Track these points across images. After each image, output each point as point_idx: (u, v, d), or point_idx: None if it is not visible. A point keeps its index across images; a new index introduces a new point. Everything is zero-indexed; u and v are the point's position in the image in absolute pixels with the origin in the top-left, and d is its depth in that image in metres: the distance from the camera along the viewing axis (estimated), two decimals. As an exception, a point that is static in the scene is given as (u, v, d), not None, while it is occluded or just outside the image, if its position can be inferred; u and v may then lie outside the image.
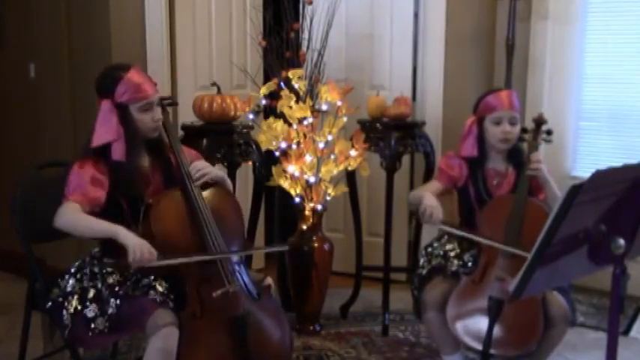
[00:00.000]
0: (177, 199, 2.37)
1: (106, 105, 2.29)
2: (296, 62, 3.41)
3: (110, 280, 2.26)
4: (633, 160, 1.67)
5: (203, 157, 2.63)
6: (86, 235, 2.27)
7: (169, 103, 2.63)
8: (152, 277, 2.27)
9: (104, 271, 2.29)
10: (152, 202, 2.33)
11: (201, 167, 2.45)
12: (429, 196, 2.66)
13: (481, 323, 2.45)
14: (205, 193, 2.43)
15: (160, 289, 2.24)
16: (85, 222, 2.22)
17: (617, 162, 1.64)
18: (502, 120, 2.71)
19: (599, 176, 1.54)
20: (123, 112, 2.29)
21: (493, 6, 4.04)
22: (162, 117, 2.42)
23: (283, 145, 3.24)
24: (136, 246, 2.14)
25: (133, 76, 2.31)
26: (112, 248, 2.31)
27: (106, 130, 2.28)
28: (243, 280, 2.41)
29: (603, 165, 1.58)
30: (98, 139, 2.28)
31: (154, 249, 2.18)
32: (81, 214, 2.22)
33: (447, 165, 2.80)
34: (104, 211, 2.28)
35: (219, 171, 2.56)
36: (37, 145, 4.14)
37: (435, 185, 2.82)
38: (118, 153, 2.28)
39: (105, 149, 2.29)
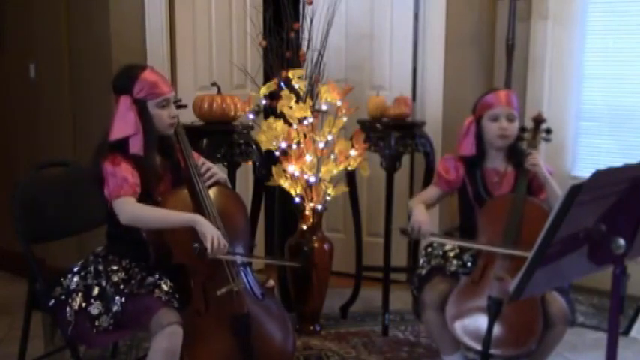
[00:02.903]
0: (184, 198, 2.40)
1: (125, 100, 2.32)
2: (296, 62, 3.41)
3: (115, 279, 2.27)
4: (633, 160, 1.67)
5: (203, 157, 2.63)
6: (158, 226, 2.29)
7: (180, 105, 2.65)
8: (157, 276, 2.29)
9: (109, 268, 2.29)
10: (161, 200, 2.36)
11: (210, 166, 2.50)
12: (418, 210, 2.69)
13: (480, 323, 2.45)
14: (212, 193, 2.45)
15: (165, 287, 2.26)
16: (158, 213, 2.27)
17: (617, 162, 1.64)
18: (499, 116, 2.71)
19: (599, 176, 1.54)
20: (141, 107, 2.33)
21: (493, 6, 4.04)
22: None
23: (283, 145, 3.24)
24: (216, 235, 2.21)
25: (150, 74, 2.36)
26: (118, 246, 2.35)
27: (125, 124, 2.30)
28: (247, 279, 2.43)
29: (603, 165, 1.58)
30: (117, 133, 2.31)
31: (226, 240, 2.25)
32: (146, 207, 2.26)
33: (444, 169, 2.82)
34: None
35: (223, 174, 2.58)
36: (37, 145, 4.14)
37: (432, 191, 2.86)
38: (136, 146, 2.30)
39: (121, 146, 2.31)
